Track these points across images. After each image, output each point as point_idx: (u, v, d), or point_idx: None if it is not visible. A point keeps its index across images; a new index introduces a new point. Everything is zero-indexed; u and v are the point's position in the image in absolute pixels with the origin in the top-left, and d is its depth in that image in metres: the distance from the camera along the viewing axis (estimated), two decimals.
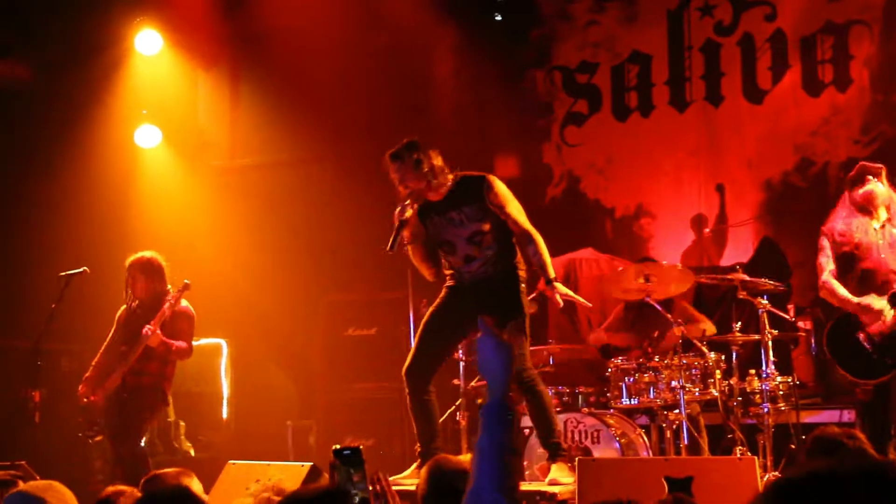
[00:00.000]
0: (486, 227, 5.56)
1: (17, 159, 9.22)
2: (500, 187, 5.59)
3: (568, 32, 9.78)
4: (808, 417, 6.90)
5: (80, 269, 6.99)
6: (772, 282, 6.53)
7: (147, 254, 6.84)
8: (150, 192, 9.68)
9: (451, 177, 5.58)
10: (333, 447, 2.52)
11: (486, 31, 9.88)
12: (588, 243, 9.12)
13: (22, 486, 3.63)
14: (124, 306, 6.91)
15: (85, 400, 6.72)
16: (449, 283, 5.76)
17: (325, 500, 2.49)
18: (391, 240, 5.42)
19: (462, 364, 6.89)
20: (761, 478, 5.04)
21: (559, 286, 5.50)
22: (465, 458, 3.91)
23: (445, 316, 5.68)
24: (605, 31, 9.63)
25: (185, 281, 6.71)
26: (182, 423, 8.73)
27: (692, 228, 9.06)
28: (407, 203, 5.46)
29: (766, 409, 6.29)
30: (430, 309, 5.75)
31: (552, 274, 5.53)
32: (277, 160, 10.07)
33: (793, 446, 6.40)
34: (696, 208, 9.06)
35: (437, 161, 5.54)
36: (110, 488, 3.86)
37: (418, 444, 5.69)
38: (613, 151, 9.52)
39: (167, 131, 9.70)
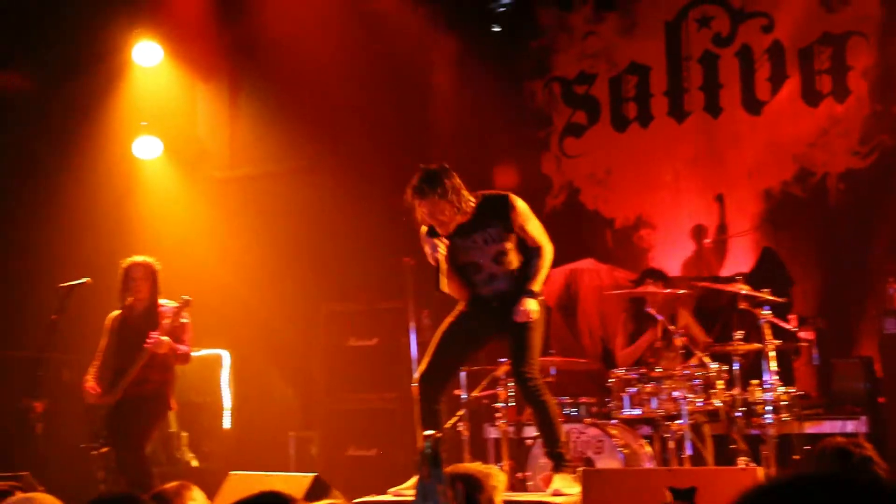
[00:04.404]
0: (510, 245, 5.60)
1: (17, 170, 9.21)
2: (522, 206, 5.61)
3: (567, 43, 9.79)
4: (811, 428, 6.89)
5: (82, 280, 6.99)
6: (772, 297, 6.54)
7: (149, 258, 6.86)
8: (150, 203, 9.68)
9: (473, 198, 5.53)
10: (426, 434, 2.55)
11: (485, 43, 9.89)
12: (588, 254, 9.12)
13: (8, 500, 3.61)
14: (116, 312, 6.89)
15: (92, 397, 6.67)
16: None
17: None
18: (438, 281, 5.45)
19: (464, 374, 6.90)
20: None
21: (528, 302, 5.49)
22: (474, 465, 3.93)
23: (463, 326, 5.71)
24: (604, 42, 9.64)
25: (186, 297, 6.70)
26: (184, 434, 8.71)
27: (692, 239, 9.06)
28: (437, 239, 5.43)
29: (768, 420, 6.30)
30: (449, 318, 5.75)
31: (534, 287, 5.55)
32: (277, 170, 10.07)
33: (796, 457, 6.40)
34: (696, 219, 9.06)
35: (459, 182, 5.46)
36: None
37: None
38: (613, 162, 9.52)
39: (167, 142, 9.70)
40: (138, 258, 6.84)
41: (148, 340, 6.55)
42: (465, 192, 5.48)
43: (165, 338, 6.58)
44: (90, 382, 6.74)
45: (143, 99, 9.65)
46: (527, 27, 9.93)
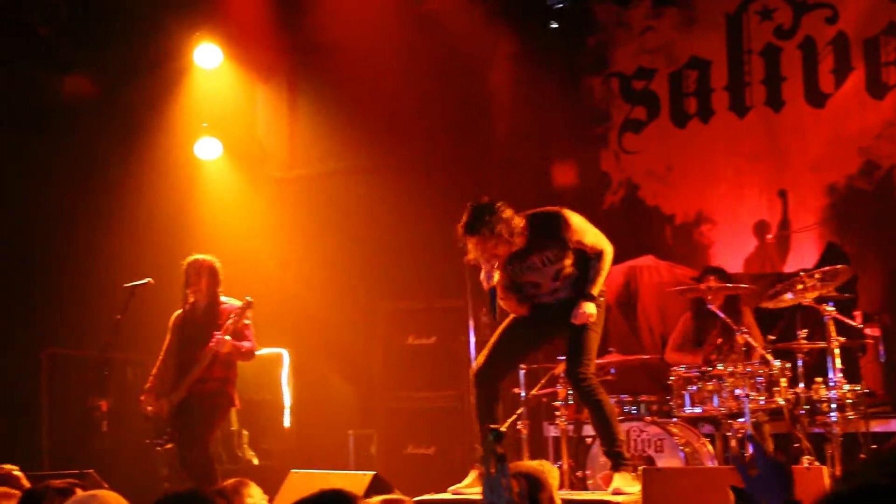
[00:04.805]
0: (568, 261, 5.58)
1: (81, 173, 9.37)
2: (576, 222, 5.54)
3: (625, 39, 9.71)
4: (877, 426, 6.75)
5: (145, 281, 7.10)
6: (836, 292, 6.40)
7: (208, 256, 6.93)
8: (211, 203, 9.79)
9: (522, 223, 5.42)
10: (490, 428, 2.54)
11: (543, 39, 9.85)
12: (648, 250, 9.04)
13: (72, 498, 3.66)
14: (178, 311, 6.98)
15: (149, 409, 6.82)
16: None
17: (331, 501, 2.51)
18: (492, 310, 5.44)
19: (523, 372, 6.87)
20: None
21: (587, 305, 5.47)
22: (534, 463, 3.90)
23: (524, 324, 5.70)
24: (663, 37, 9.54)
25: (249, 298, 6.76)
26: (245, 433, 8.80)
27: (754, 235, 8.93)
28: (492, 267, 5.37)
29: (833, 418, 6.18)
30: (511, 314, 5.73)
31: (594, 290, 5.52)
32: (336, 170, 10.14)
33: (862, 455, 6.27)
34: (758, 214, 8.92)
35: (508, 214, 5.33)
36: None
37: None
38: (672, 158, 9.42)
39: (227, 143, 9.81)
40: (196, 256, 6.92)
41: (211, 341, 6.62)
42: (514, 221, 5.34)
43: (228, 337, 6.64)
44: (144, 397, 6.85)
45: (204, 101, 9.78)
46: (584, 23, 9.86)
